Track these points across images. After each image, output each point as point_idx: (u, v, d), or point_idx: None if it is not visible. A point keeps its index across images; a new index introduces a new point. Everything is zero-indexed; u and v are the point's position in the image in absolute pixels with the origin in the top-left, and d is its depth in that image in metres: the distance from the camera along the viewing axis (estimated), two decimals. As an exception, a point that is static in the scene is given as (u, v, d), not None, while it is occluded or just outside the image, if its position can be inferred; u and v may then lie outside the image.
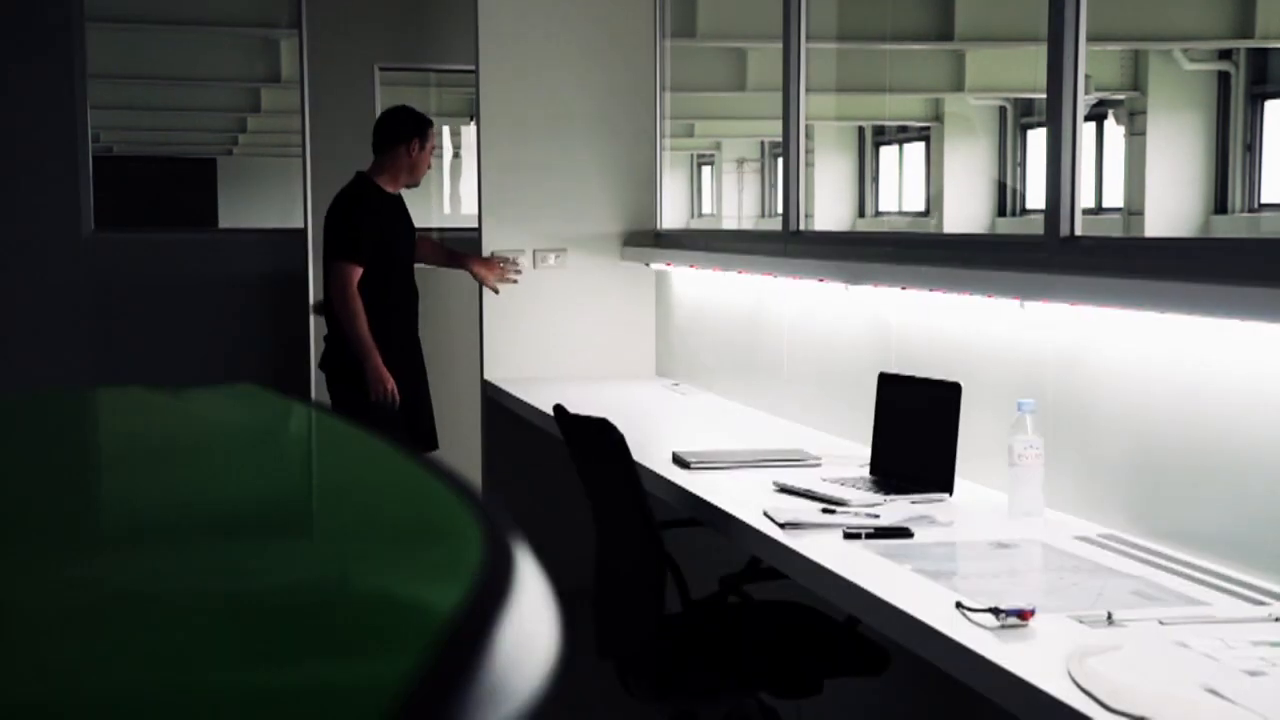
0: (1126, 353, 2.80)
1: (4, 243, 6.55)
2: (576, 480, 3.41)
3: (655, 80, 5.60)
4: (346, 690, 0.42)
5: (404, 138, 5.24)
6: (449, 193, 8.60)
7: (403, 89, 7.12)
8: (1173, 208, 13.10)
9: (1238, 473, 2.50)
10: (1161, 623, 2.14)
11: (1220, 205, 13.44)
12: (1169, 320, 2.63)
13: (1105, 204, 13.85)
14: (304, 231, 6.43)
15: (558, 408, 3.36)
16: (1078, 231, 2.99)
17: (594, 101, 5.55)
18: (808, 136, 9.75)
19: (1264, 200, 13.33)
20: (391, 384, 5.03)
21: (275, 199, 11.73)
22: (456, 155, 8.90)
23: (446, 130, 8.48)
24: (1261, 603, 2.25)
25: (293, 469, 0.79)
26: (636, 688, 3.15)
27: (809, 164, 10.33)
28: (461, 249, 5.58)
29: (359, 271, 5.05)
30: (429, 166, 5.35)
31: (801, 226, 4.54)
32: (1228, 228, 12.59)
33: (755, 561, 3.12)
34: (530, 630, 0.46)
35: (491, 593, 0.46)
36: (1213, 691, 1.82)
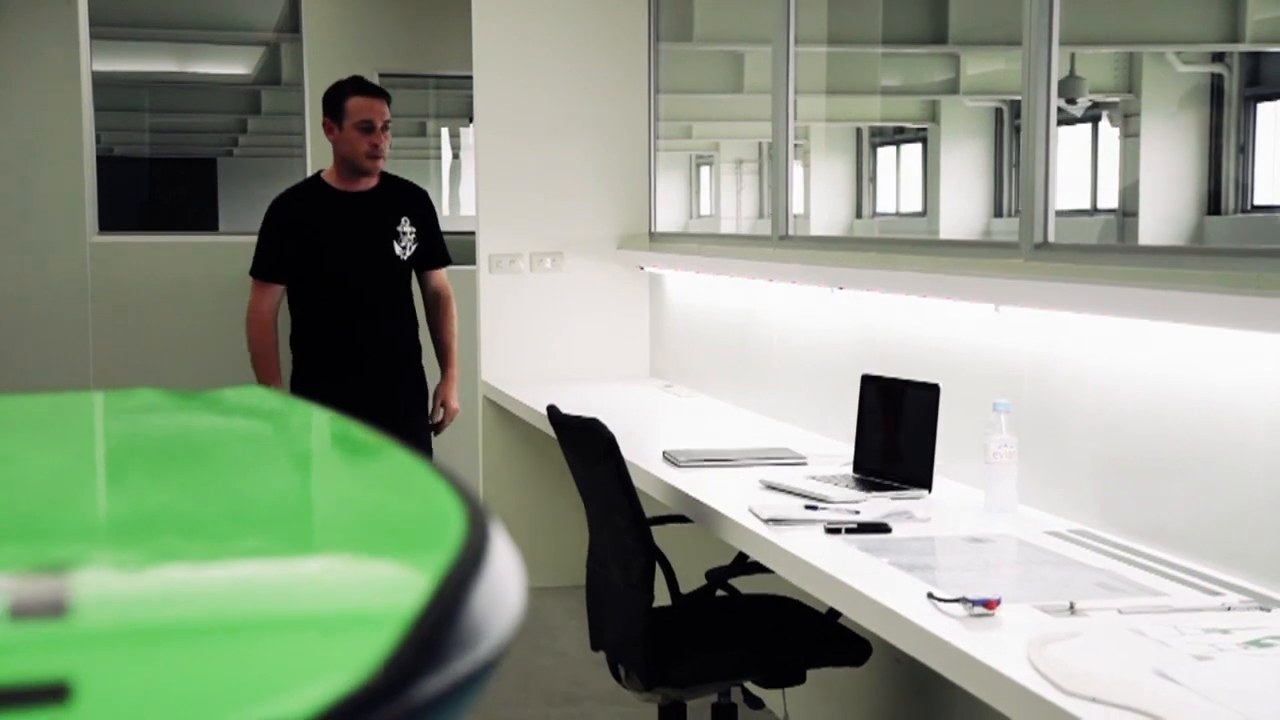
0: (1097, 356, 2.92)
1: (11, 246, 6.67)
2: (571, 479, 3.53)
3: (649, 84, 5.71)
4: (349, 636, 0.54)
5: (325, 119, 4.36)
6: (448, 195, 8.69)
7: (402, 91, 7.22)
8: (1167, 209, 13.21)
9: (1200, 472, 2.61)
10: (1121, 612, 2.26)
11: (1214, 207, 13.54)
12: (1138, 325, 2.74)
13: (1100, 205, 13.95)
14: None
15: (551, 408, 3.47)
16: (1051, 238, 3.10)
17: (589, 106, 5.66)
18: (806, 138, 9.84)
19: (1257, 202, 13.42)
20: None
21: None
22: (456, 157, 9.00)
23: (445, 132, 8.57)
24: (1216, 593, 2.37)
25: (298, 461, 0.90)
26: (628, 678, 3.26)
27: (806, 165, 10.43)
28: (446, 372, 4.63)
29: (270, 289, 4.37)
30: (374, 151, 4.30)
31: (791, 230, 4.65)
32: (1221, 229, 12.70)
33: (741, 556, 3.23)
34: (503, 585, 0.57)
35: (472, 556, 0.58)
36: (1162, 675, 1.94)
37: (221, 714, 0.48)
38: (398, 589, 0.56)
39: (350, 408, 3.81)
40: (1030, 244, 3.12)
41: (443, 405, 4.58)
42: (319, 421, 1.06)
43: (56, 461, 0.85)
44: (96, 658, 0.50)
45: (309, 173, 6.52)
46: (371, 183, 4.35)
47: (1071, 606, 2.28)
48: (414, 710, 0.50)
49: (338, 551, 0.64)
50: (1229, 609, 2.27)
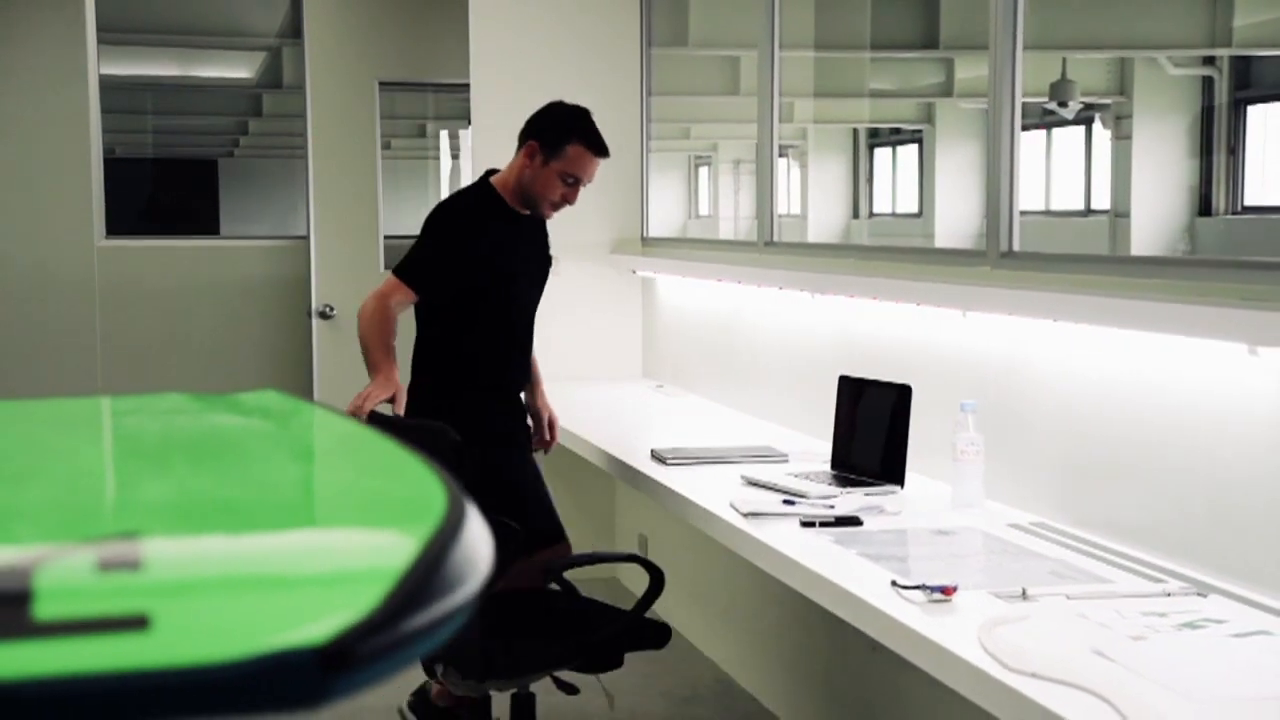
0: (1058, 360, 3.08)
1: (20, 250, 6.83)
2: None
3: (641, 91, 5.87)
4: (355, 584, 0.70)
5: (525, 137, 3.87)
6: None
7: (400, 93, 7.35)
8: (1159, 210, 13.38)
9: (1151, 468, 2.78)
10: (1069, 598, 2.43)
11: (1205, 208, 13.72)
12: (1096, 331, 2.91)
13: (1094, 206, 14.13)
14: (307, 239, 6.70)
15: (372, 414, 3.54)
16: (1016, 247, 3.27)
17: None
18: (803, 139, 9.91)
19: (1247, 203, 13.60)
20: (384, 396, 3.66)
21: (275, 199, 12.01)
22: (455, 158, 9.16)
23: (445, 134, 8.75)
24: (1160, 580, 2.54)
25: (309, 453, 1.07)
26: (445, 674, 3.35)
27: (804, 166, 10.50)
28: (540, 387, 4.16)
29: (408, 294, 3.76)
30: (562, 204, 3.89)
31: (780, 234, 4.81)
32: (1212, 230, 12.89)
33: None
34: (474, 549, 0.74)
35: (451, 526, 0.75)
36: (1099, 653, 2.11)
37: (259, 639, 0.64)
38: (392, 551, 0.72)
39: (493, 436, 3.76)
40: (997, 252, 3.29)
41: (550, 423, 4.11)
42: (322, 420, 1.22)
43: (106, 455, 1.02)
44: (165, 599, 0.67)
45: (310, 173, 6.65)
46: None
47: (1024, 593, 2.44)
48: (403, 638, 0.67)
49: (346, 524, 0.81)
50: (1169, 595, 2.44)
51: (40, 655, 0.62)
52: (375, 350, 3.71)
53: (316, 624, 0.65)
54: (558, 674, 3.46)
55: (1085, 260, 3.05)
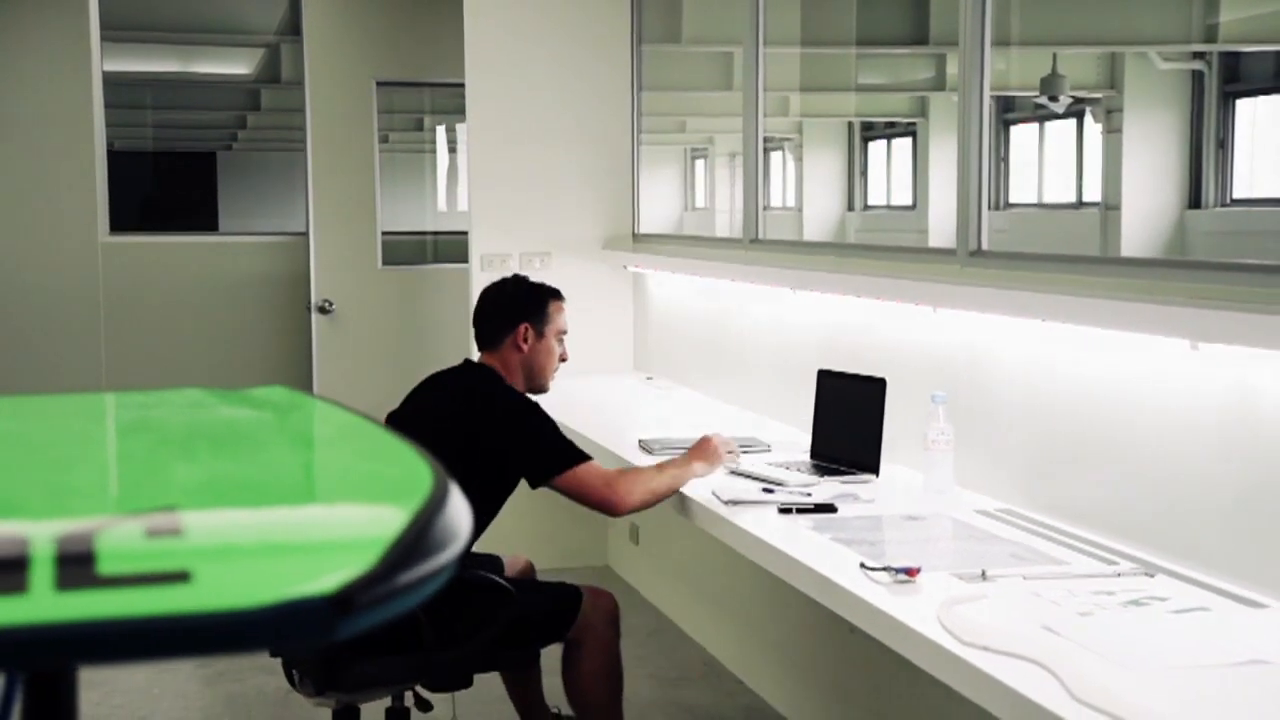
0: (1024, 354, 3.24)
1: (25, 247, 6.98)
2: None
3: (633, 87, 6.02)
4: (355, 548, 0.86)
5: (508, 326, 3.73)
6: (445, 191, 8.99)
7: (397, 90, 7.48)
8: (1148, 203, 13.54)
9: (1106, 457, 2.94)
10: (1025, 578, 2.58)
11: (1194, 200, 13.87)
12: (1058, 327, 3.06)
13: (1086, 199, 14.28)
14: (306, 235, 6.85)
15: None
16: (984, 246, 3.42)
17: (577, 111, 5.97)
18: (799, 133, 10.04)
19: (1236, 195, 13.74)
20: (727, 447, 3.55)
21: (272, 192, 12.14)
22: (453, 152, 9.29)
23: (442, 129, 8.88)
24: (1113, 563, 2.70)
25: (314, 441, 1.23)
26: (301, 683, 3.36)
27: (799, 159, 10.64)
28: None
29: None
30: (560, 360, 3.79)
31: (761, 234, 4.96)
32: (1202, 222, 13.04)
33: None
34: (455, 520, 0.90)
35: (435, 502, 0.90)
36: (1047, 628, 2.26)
37: (280, 589, 0.80)
38: (387, 521, 0.88)
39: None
40: (966, 251, 3.44)
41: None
42: (324, 412, 1.37)
43: (140, 443, 1.18)
44: (203, 559, 0.82)
45: (309, 171, 6.78)
46: None
47: (983, 574, 2.60)
48: (396, 590, 0.83)
49: (348, 498, 0.97)
50: (1119, 575, 2.60)
51: (105, 602, 0.77)
52: (664, 471, 3.49)
53: (326, 578, 0.81)
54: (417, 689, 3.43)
55: (1048, 259, 3.20)
